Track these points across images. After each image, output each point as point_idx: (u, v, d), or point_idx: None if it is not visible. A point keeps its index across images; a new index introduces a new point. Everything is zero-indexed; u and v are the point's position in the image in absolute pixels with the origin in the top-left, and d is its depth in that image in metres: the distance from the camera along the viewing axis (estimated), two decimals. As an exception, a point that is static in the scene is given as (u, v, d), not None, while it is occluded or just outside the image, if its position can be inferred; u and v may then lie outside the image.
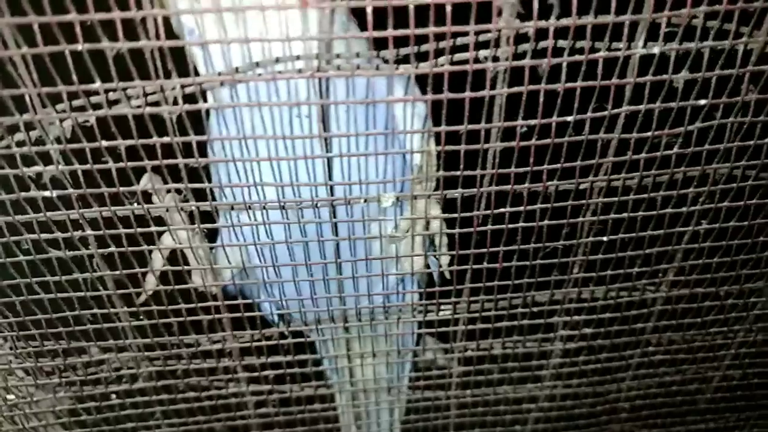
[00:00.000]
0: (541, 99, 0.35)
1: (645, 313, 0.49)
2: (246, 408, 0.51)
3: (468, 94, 0.33)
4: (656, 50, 0.35)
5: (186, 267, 0.40)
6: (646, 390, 0.57)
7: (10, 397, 0.48)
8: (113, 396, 0.48)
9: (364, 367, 0.51)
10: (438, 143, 0.36)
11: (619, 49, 0.34)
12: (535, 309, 0.47)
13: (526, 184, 0.39)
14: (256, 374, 0.48)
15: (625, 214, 0.42)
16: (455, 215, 0.39)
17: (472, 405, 0.55)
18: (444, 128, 0.35)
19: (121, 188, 0.35)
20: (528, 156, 0.38)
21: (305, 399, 0.51)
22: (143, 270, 0.40)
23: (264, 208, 0.37)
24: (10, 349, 0.45)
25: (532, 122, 0.36)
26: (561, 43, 0.35)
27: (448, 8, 0.30)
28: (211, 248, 0.41)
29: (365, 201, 0.38)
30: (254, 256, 0.41)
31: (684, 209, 0.43)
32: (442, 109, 0.34)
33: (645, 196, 0.41)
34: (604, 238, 0.43)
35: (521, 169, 0.38)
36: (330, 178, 0.38)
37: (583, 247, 0.44)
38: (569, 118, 0.36)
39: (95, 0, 0.28)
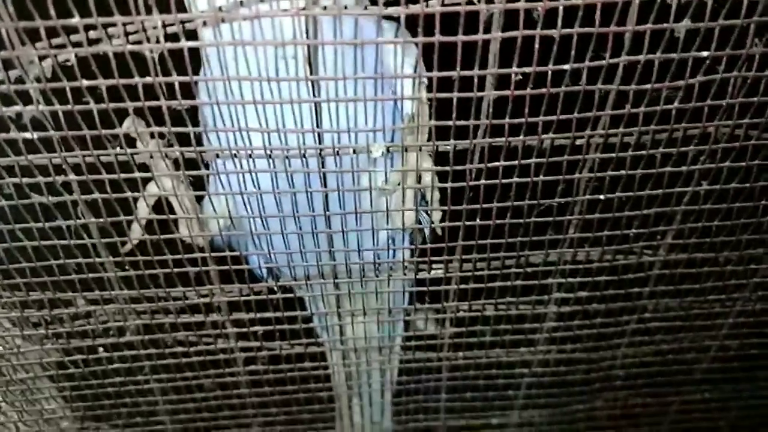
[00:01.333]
0: (536, 45, 0.33)
1: (642, 277, 0.48)
2: (235, 365, 0.51)
3: (460, 37, 0.32)
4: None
5: (171, 216, 0.39)
6: (642, 358, 0.56)
7: (-6, 349, 0.48)
8: (101, 349, 0.48)
9: (355, 326, 0.51)
10: (430, 91, 0.34)
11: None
12: (529, 270, 0.46)
13: (521, 137, 0.38)
14: (245, 330, 0.47)
15: (622, 172, 0.40)
16: (447, 168, 0.38)
17: (464, 368, 0.54)
18: (435, 74, 0.33)
19: (103, 131, 0.35)
20: (523, 108, 0.36)
21: (295, 356, 0.51)
22: (128, 218, 0.39)
23: (250, 156, 0.36)
24: (-4, 298, 0.45)
25: (527, 69, 0.35)
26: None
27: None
28: (198, 198, 0.41)
29: (354, 151, 0.37)
30: (242, 206, 0.40)
31: (684, 168, 0.41)
32: (433, 55, 0.33)
33: (643, 153, 0.40)
34: (601, 197, 0.42)
35: (516, 120, 0.36)
36: (318, 125, 0.36)
37: (579, 205, 0.43)
38: (566, 66, 0.35)
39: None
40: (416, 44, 0.32)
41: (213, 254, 0.42)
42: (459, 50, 0.32)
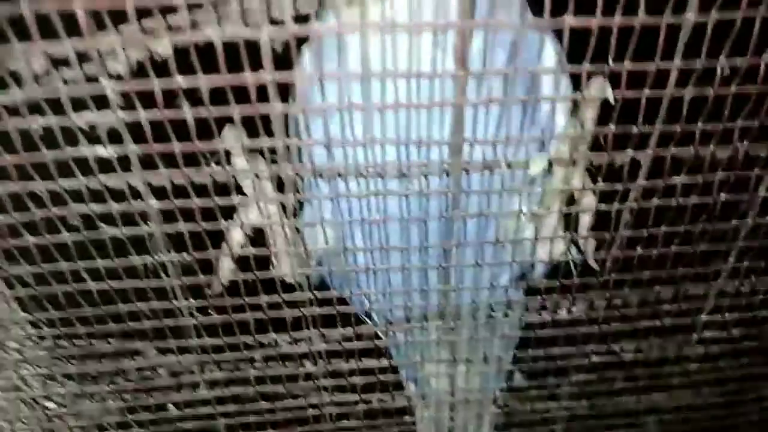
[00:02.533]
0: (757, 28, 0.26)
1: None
2: (325, 421, 0.43)
3: (666, 19, 0.25)
4: None
5: (274, 250, 0.32)
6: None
7: (51, 405, 0.41)
8: (170, 406, 0.41)
9: (459, 376, 0.42)
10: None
11: None
12: (683, 306, 0.38)
13: (710, 146, 0.30)
14: (343, 382, 0.39)
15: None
16: (618, 187, 0.30)
17: (584, 417, 0.46)
18: (627, 66, 0.26)
19: (199, 144, 0.27)
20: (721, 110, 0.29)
21: (395, 411, 0.43)
22: (219, 252, 0.32)
23: (380, 175, 0.29)
24: (50, 349, 0.37)
25: (739, 60, 0.27)
26: None
27: None
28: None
29: (509, 165, 0.29)
30: (353, 237, 0.33)
31: None
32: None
33: None
34: None
35: (709, 125, 0.29)
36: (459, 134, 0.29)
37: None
38: None
39: None
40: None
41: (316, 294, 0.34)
42: (662, 35, 0.25)
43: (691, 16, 0.25)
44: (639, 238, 0.34)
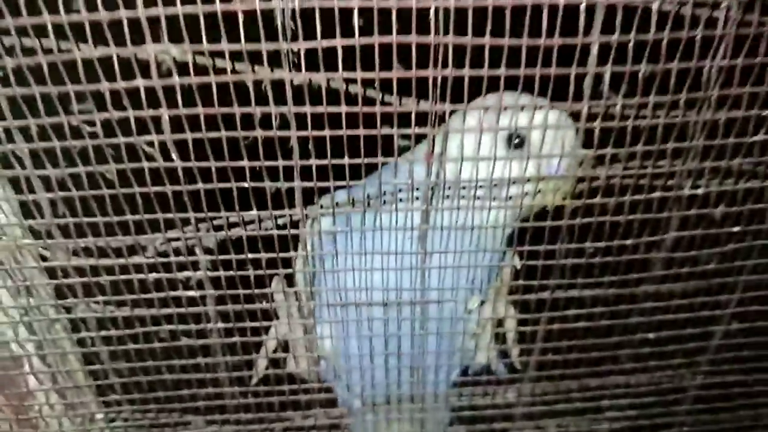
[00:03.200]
0: (607, 227, 0.42)
1: (681, 397, 0.56)
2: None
3: (548, 223, 0.41)
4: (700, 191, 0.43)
5: (298, 354, 0.46)
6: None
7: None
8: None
9: None
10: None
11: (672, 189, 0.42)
12: (587, 393, 0.53)
13: (592, 291, 0.46)
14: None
15: (669, 315, 0.49)
16: (528, 316, 0.46)
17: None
18: (527, 248, 0.42)
19: (256, 290, 0.42)
20: (590, 268, 0.45)
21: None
22: (258, 356, 0.47)
23: (370, 304, 0.44)
24: (125, 420, 0.51)
25: (599, 244, 0.43)
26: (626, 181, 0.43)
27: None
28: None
29: (455, 303, 0.45)
30: (350, 346, 0.48)
31: (717, 312, 0.50)
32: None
33: (686, 301, 0.48)
34: (651, 336, 0.50)
35: (587, 280, 0.45)
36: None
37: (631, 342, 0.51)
38: (628, 242, 0.43)
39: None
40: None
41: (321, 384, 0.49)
42: (546, 233, 0.41)
43: (565, 222, 0.41)
44: (551, 348, 0.49)
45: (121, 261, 0.41)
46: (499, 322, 0.49)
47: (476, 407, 0.52)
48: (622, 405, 0.55)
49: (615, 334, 0.49)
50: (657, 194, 0.42)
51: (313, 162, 0.36)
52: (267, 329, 0.46)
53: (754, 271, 0.48)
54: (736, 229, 0.44)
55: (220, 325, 0.44)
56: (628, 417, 0.57)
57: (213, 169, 0.37)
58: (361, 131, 0.36)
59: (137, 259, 0.41)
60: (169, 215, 0.39)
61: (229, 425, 0.51)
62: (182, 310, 0.44)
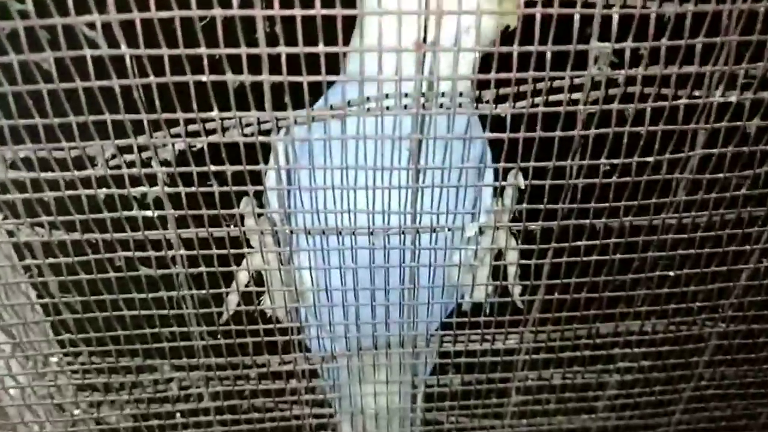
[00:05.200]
0: (625, 140, 0.37)
1: (701, 347, 0.50)
2: (305, 431, 0.52)
3: (558, 133, 0.35)
4: (733, 99, 0.37)
5: (274, 289, 0.41)
6: (696, 425, 0.57)
7: (77, 411, 0.49)
8: (178, 415, 0.49)
9: (378, 396, 0.51)
10: (525, 178, 0.37)
11: (700, 97, 0.36)
12: (598, 341, 0.48)
13: (603, 219, 0.40)
14: (320, 397, 0.48)
15: (692, 251, 0.43)
16: (533, 247, 0.40)
17: (525, 435, 0.55)
18: (533, 164, 0.37)
19: (222, 211, 0.37)
20: (604, 193, 0.39)
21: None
22: (228, 290, 0.41)
23: (353, 233, 0.39)
24: (83, 364, 0.46)
25: (615, 161, 0.38)
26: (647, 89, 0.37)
27: (548, 55, 0.32)
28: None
29: (449, 230, 0.39)
30: (332, 280, 0.42)
31: (747, 247, 0.44)
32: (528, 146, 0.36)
33: (713, 233, 0.43)
34: (671, 273, 0.44)
35: (601, 205, 0.39)
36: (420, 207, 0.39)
37: (649, 280, 0.45)
38: (650, 159, 0.38)
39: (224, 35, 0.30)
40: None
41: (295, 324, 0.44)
42: (556, 145, 0.36)
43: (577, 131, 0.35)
44: (555, 285, 0.43)
45: (67, 174, 0.36)
46: (499, 255, 0.43)
47: (472, 353, 0.47)
48: (635, 355, 0.50)
49: (631, 272, 0.44)
50: (682, 101, 0.36)
51: (283, 50, 0.31)
52: (238, 259, 0.41)
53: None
54: (773, 146, 0.39)
55: (183, 252, 0.39)
56: (641, 368, 0.52)
57: (165, 59, 0.31)
58: (339, 10, 0.30)
59: (85, 173, 0.36)
60: (118, 116, 0.33)
61: (198, 371, 0.46)
62: (139, 234, 0.38)
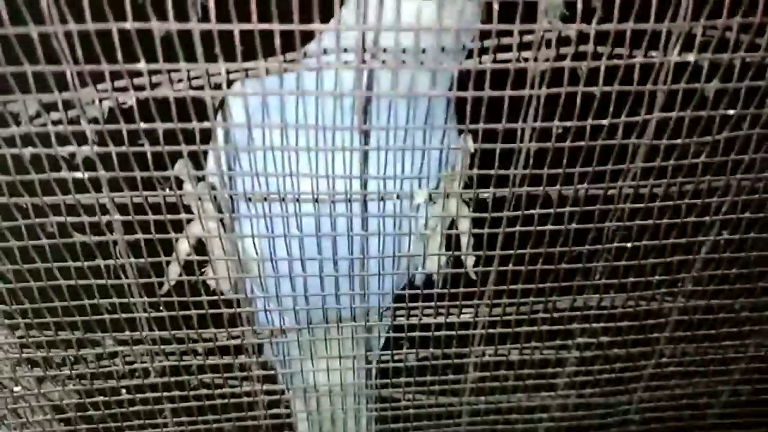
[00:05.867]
0: (578, 101, 0.35)
1: (662, 322, 0.50)
2: (258, 408, 0.50)
3: (508, 92, 0.34)
4: (691, 58, 0.36)
5: (215, 258, 0.39)
6: (657, 402, 0.57)
7: (17, 388, 0.47)
8: (123, 391, 0.47)
9: (331, 372, 0.49)
10: (474, 141, 0.36)
11: (655, 57, 0.35)
12: (555, 315, 0.47)
13: (557, 187, 0.39)
14: (271, 372, 0.47)
15: (650, 221, 0.42)
16: (486, 215, 0.39)
17: (485, 413, 0.54)
18: (482, 126, 0.35)
19: (155, 173, 0.35)
20: (558, 159, 0.38)
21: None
22: (168, 259, 0.40)
23: (297, 200, 0.37)
24: (20, 337, 0.44)
25: (568, 123, 0.36)
26: (600, 48, 0.35)
27: (496, 6, 0.31)
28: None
29: (398, 197, 0.38)
30: (275, 250, 0.40)
31: (707, 218, 0.43)
32: (480, 107, 0.34)
33: (670, 203, 0.42)
34: (628, 245, 0.43)
35: (554, 171, 0.38)
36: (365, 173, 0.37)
37: (607, 252, 0.44)
38: (604, 122, 0.36)
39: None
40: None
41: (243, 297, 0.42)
42: (506, 104, 0.34)
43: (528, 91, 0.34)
44: (510, 256, 0.42)
45: (-11, 133, 0.34)
46: (452, 224, 0.42)
47: (426, 327, 0.45)
48: (594, 330, 0.49)
49: (588, 243, 0.43)
50: (639, 59, 0.34)
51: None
52: (178, 226, 0.39)
53: (750, 168, 0.41)
54: (731, 111, 0.38)
55: (118, 217, 0.37)
56: (600, 345, 0.51)
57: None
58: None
59: (9, 131, 0.34)
60: (38, 68, 0.31)
61: (143, 344, 0.44)
62: (69, 197, 0.36)
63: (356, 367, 0.47)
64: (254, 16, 0.30)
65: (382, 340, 0.50)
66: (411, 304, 0.44)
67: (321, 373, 0.48)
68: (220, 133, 0.34)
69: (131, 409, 0.48)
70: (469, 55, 0.36)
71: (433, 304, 0.44)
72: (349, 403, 0.51)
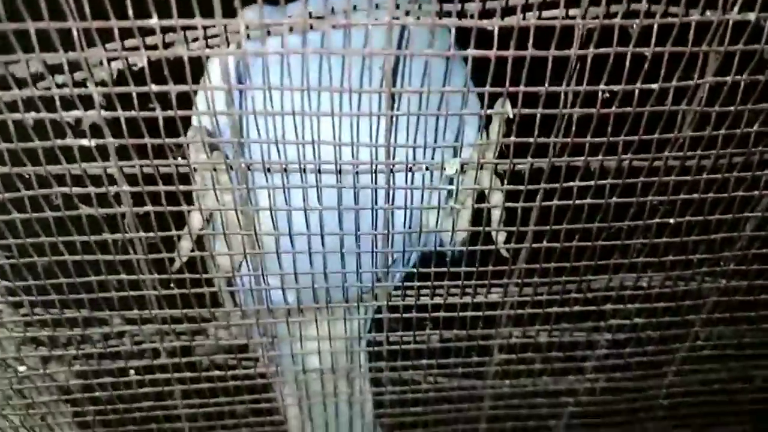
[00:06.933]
0: (627, 63, 0.32)
1: (699, 304, 0.47)
2: (272, 390, 0.48)
3: (553, 51, 0.31)
4: (751, 17, 0.32)
5: (229, 232, 0.37)
6: (687, 387, 0.54)
7: (21, 368, 0.45)
8: (131, 372, 0.45)
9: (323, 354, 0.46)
10: (514, 107, 0.33)
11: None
12: (589, 295, 0.44)
13: (599, 157, 0.36)
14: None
15: (696, 195, 0.39)
16: (521, 187, 0.36)
17: (509, 396, 0.52)
18: (522, 89, 0.32)
19: (167, 140, 0.32)
20: (602, 127, 0.35)
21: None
22: (180, 233, 0.37)
23: (319, 171, 0.34)
24: (24, 315, 0.41)
25: (616, 87, 0.33)
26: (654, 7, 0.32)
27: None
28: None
29: (427, 168, 0.35)
30: (293, 224, 0.38)
31: (755, 193, 0.40)
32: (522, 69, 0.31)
33: (719, 176, 0.39)
34: (671, 221, 0.40)
35: (597, 140, 0.35)
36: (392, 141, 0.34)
37: (647, 229, 0.41)
38: (654, 86, 0.33)
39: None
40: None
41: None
42: (549, 65, 0.31)
43: (574, 51, 0.31)
44: (544, 232, 0.39)
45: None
46: (482, 197, 0.39)
47: (451, 307, 0.43)
48: (628, 311, 0.47)
49: (627, 219, 0.40)
50: (694, 17, 0.31)
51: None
52: (189, 197, 0.37)
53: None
54: (791, 76, 0.34)
55: (126, 188, 0.35)
56: (633, 326, 0.48)
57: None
58: None
59: (10, 94, 0.31)
60: (41, 24, 0.28)
61: (152, 324, 0.42)
62: (75, 167, 0.34)
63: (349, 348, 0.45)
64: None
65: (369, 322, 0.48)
66: (436, 283, 0.42)
67: (324, 355, 0.45)
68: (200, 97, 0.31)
69: (140, 390, 0.46)
70: (512, 11, 0.33)
71: (459, 283, 0.41)
72: (342, 386, 0.48)
